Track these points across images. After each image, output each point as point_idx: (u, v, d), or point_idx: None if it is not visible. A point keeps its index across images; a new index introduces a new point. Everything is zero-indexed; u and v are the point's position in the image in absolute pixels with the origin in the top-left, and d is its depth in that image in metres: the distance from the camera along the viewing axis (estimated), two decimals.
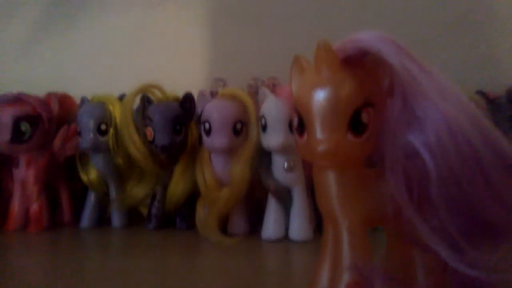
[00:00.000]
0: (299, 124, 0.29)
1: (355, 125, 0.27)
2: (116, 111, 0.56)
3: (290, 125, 0.44)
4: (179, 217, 0.56)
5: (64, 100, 0.61)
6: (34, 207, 0.56)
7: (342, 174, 0.29)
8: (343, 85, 0.27)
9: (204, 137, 0.50)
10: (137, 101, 0.55)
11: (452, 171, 0.25)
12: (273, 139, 0.46)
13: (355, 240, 0.29)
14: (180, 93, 0.55)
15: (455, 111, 0.25)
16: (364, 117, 0.27)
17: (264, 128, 0.47)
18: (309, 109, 0.28)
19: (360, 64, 0.28)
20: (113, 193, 0.58)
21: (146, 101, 0.54)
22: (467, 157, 0.25)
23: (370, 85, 0.28)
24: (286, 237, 0.49)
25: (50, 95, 0.59)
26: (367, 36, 0.27)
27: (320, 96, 0.27)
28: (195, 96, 0.54)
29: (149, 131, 0.52)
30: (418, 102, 0.26)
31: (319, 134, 0.27)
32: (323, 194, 0.31)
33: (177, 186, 0.54)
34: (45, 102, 0.57)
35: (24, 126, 0.54)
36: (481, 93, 0.55)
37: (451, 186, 0.25)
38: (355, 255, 0.28)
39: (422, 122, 0.26)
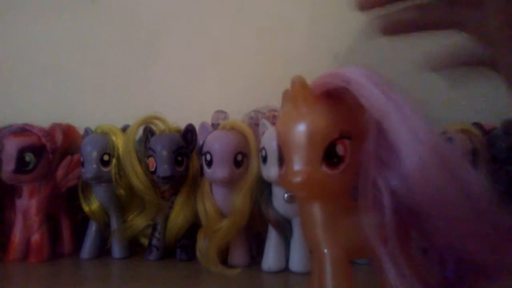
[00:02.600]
0: (279, 156, 0.30)
1: (330, 157, 0.28)
2: (119, 142, 0.56)
3: None
4: (179, 248, 0.56)
5: (68, 130, 0.62)
6: (35, 237, 0.56)
7: (326, 205, 0.30)
8: (317, 119, 0.28)
9: (205, 168, 0.51)
10: (140, 132, 0.56)
11: (422, 209, 0.25)
12: (273, 170, 0.46)
13: (338, 271, 0.29)
14: (182, 125, 0.56)
15: (426, 151, 0.25)
16: (340, 149, 0.28)
17: (265, 159, 0.47)
18: (285, 142, 0.29)
19: (339, 98, 0.29)
20: (114, 223, 0.58)
21: (148, 132, 0.55)
22: (438, 198, 0.25)
23: (348, 118, 0.28)
24: (286, 269, 0.49)
25: (54, 125, 0.60)
26: (343, 73, 0.27)
27: (294, 129, 0.28)
28: (197, 128, 0.55)
29: (151, 162, 0.53)
30: (390, 141, 0.26)
31: (294, 166, 0.28)
32: (308, 224, 0.31)
33: (178, 217, 0.54)
34: (49, 132, 0.58)
35: (29, 157, 0.55)
36: (477, 124, 0.56)
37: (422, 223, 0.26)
38: (337, 286, 0.29)
39: (395, 161, 0.26)
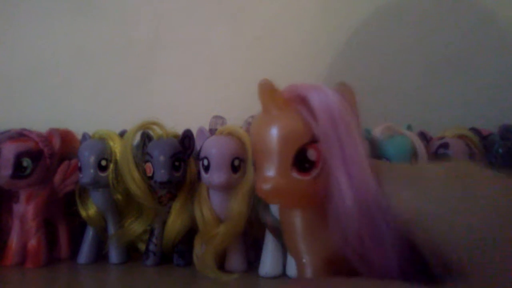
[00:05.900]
0: (252, 162, 0.29)
1: (301, 162, 0.27)
2: (117, 147, 0.56)
3: None
4: (176, 254, 0.55)
5: (65, 135, 0.62)
6: (32, 243, 0.56)
7: (304, 213, 0.29)
8: (285, 123, 0.27)
9: (203, 173, 0.51)
10: (138, 137, 0.56)
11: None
12: None
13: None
14: (180, 130, 0.56)
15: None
16: (312, 154, 0.27)
17: None
18: (256, 147, 0.28)
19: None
20: (111, 229, 0.58)
21: (146, 137, 0.55)
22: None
23: None
24: (283, 274, 0.49)
25: (52, 130, 0.60)
26: (307, 94, 0.27)
27: (264, 134, 0.27)
28: (194, 133, 0.55)
29: (149, 167, 0.53)
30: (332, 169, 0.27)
31: (264, 172, 0.27)
32: (288, 232, 0.30)
33: (175, 223, 0.54)
34: (47, 137, 0.58)
35: (26, 162, 0.55)
36: (474, 129, 0.56)
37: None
38: None
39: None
